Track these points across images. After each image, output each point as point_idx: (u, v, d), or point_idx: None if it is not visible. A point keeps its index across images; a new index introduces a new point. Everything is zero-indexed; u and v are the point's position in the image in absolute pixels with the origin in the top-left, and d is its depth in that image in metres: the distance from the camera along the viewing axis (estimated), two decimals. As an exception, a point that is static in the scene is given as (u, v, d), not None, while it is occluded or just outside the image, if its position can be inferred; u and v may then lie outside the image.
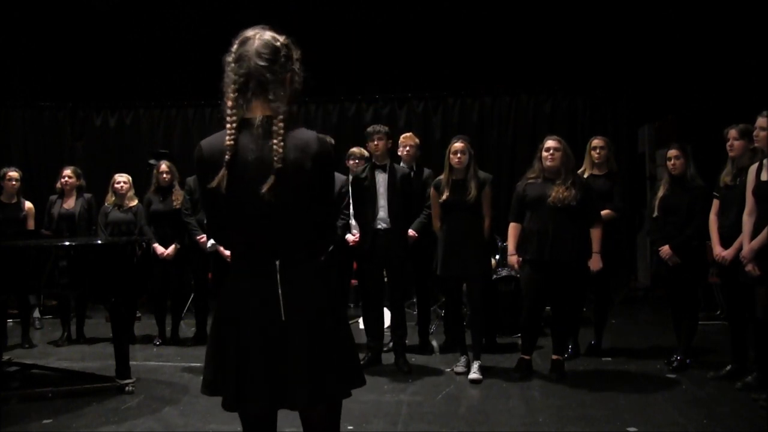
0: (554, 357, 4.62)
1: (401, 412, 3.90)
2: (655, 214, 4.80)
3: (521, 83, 8.04)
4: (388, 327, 5.23)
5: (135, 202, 6.02)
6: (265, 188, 1.82)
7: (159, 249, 5.78)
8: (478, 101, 8.14)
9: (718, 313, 6.39)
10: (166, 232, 5.85)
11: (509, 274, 5.77)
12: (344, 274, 5.53)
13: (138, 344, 5.89)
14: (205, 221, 5.52)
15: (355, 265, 5.58)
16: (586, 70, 7.86)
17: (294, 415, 1.99)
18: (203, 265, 5.85)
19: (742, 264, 3.97)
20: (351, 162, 5.52)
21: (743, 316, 4.34)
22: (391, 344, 5.09)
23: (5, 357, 5.01)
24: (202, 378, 2.00)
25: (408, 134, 5.56)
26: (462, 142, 4.63)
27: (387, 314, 5.18)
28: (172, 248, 5.81)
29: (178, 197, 5.83)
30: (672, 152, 4.73)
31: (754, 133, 4.09)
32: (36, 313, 6.85)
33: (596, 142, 5.16)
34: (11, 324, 6.30)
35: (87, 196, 6.14)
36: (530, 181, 4.59)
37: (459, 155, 4.59)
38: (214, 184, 1.86)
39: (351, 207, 5.11)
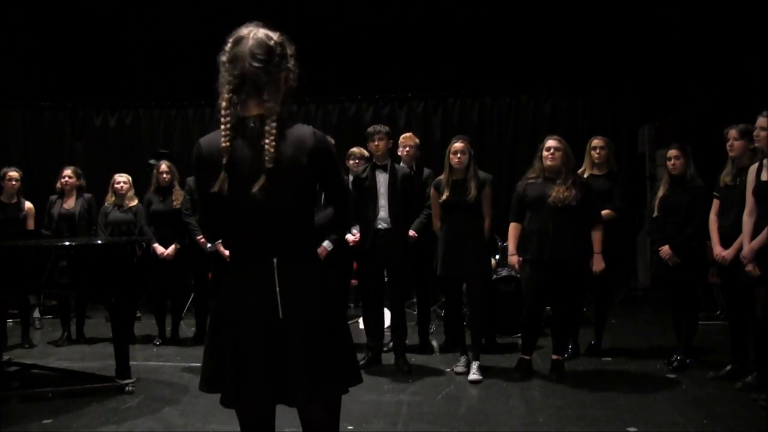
0: (554, 357, 4.62)
1: (401, 412, 3.90)
2: (655, 214, 4.79)
3: (521, 83, 8.04)
4: (388, 327, 5.23)
5: (135, 202, 6.02)
6: (255, 188, 1.83)
7: (159, 249, 5.78)
8: (478, 101, 8.14)
9: (718, 313, 6.39)
10: (166, 232, 5.85)
11: (509, 274, 5.76)
12: (344, 274, 5.53)
13: (138, 344, 5.89)
14: (197, 219, 5.53)
15: (355, 265, 5.58)
16: (586, 70, 7.86)
17: (294, 415, 1.99)
18: (203, 265, 5.85)
19: (742, 264, 3.97)
20: (351, 162, 5.52)
21: (743, 316, 4.34)
22: (391, 344, 5.09)
23: (5, 357, 5.01)
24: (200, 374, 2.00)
25: (408, 134, 5.56)
26: (462, 142, 4.63)
27: (387, 314, 5.18)
28: (172, 248, 5.81)
29: (178, 197, 5.83)
30: (672, 152, 4.73)
31: (754, 133, 4.09)
32: (36, 313, 6.85)
33: (596, 142, 5.16)
34: (11, 324, 6.30)
35: (87, 196, 6.14)
36: (530, 181, 4.59)
37: (459, 155, 4.59)
38: (216, 188, 1.87)
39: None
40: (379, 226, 4.87)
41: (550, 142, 4.53)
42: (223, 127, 1.89)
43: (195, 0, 7.98)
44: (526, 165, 4.97)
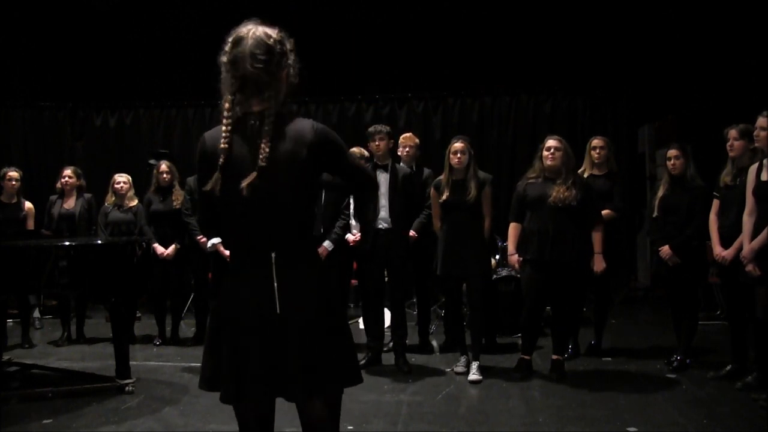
0: (554, 357, 4.62)
1: (401, 412, 3.90)
2: (655, 214, 4.79)
3: (521, 83, 8.04)
4: (388, 327, 5.23)
5: (135, 202, 6.02)
6: (244, 183, 1.85)
7: (159, 249, 5.78)
8: (478, 101, 8.14)
9: (718, 313, 6.39)
10: (166, 232, 5.85)
11: (509, 274, 5.77)
12: (344, 274, 5.53)
13: (138, 344, 5.89)
14: (198, 218, 5.54)
15: (355, 265, 5.58)
16: (586, 70, 7.86)
17: (294, 415, 1.99)
18: (203, 265, 5.85)
19: (742, 264, 3.97)
20: (351, 162, 5.51)
21: (743, 316, 4.34)
22: (391, 344, 5.09)
23: (5, 357, 5.01)
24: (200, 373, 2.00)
25: (408, 134, 5.56)
26: (462, 142, 4.63)
27: (387, 314, 5.18)
28: (172, 248, 5.81)
29: (178, 197, 5.84)
30: (672, 152, 4.73)
31: (754, 133, 4.09)
32: (36, 313, 6.85)
33: (596, 142, 5.16)
34: (11, 324, 6.30)
35: (87, 196, 6.14)
36: (531, 180, 4.59)
37: (459, 155, 4.59)
38: (208, 188, 1.90)
39: (351, 207, 5.11)
40: (380, 226, 4.87)
41: (550, 142, 4.53)
42: (224, 128, 1.90)
43: (195, 0, 7.98)
44: (526, 165, 4.97)
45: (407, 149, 5.37)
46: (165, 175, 5.89)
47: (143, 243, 4.91)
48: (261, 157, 1.85)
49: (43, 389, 4.33)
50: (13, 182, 5.88)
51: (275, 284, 1.89)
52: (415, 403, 4.08)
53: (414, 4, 7.94)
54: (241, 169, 1.87)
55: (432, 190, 4.81)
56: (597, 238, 4.62)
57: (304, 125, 1.93)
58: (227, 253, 5.11)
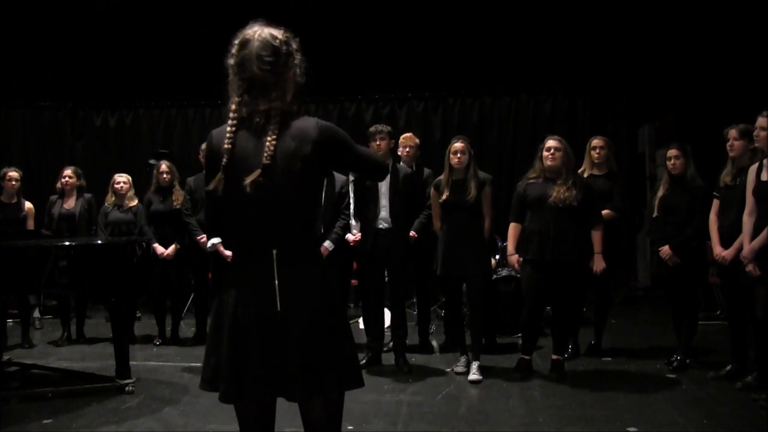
0: (554, 357, 4.62)
1: (401, 412, 3.90)
2: (655, 214, 4.79)
3: (521, 83, 8.04)
4: (388, 327, 5.23)
5: (135, 202, 6.02)
6: (247, 180, 1.85)
7: (159, 249, 5.78)
8: (478, 101, 8.14)
9: (718, 313, 6.39)
10: (166, 232, 5.85)
11: (509, 274, 5.77)
12: (344, 274, 5.53)
13: (138, 344, 5.89)
14: (203, 216, 5.54)
15: (355, 265, 5.58)
16: (586, 70, 7.86)
17: (294, 415, 1.99)
18: (203, 265, 5.85)
19: (742, 264, 3.97)
20: (351, 162, 5.51)
21: (743, 316, 4.34)
22: (391, 344, 5.09)
23: (5, 357, 5.01)
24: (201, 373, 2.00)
25: (408, 134, 5.55)
26: (462, 142, 4.63)
27: (387, 314, 5.18)
28: (172, 248, 5.81)
29: (178, 197, 5.83)
30: (672, 152, 4.73)
31: (754, 133, 4.09)
32: (36, 313, 6.85)
33: (596, 142, 5.16)
34: (11, 324, 6.30)
35: (87, 196, 6.14)
36: (531, 181, 4.59)
37: (459, 155, 4.59)
38: (210, 187, 1.92)
39: (351, 207, 5.11)
40: (380, 226, 4.87)
41: (550, 143, 4.53)
42: (228, 129, 1.91)
43: (195, 0, 7.98)
44: (526, 165, 4.97)
45: (407, 149, 5.36)
46: (165, 175, 5.89)
47: (143, 243, 4.91)
48: (265, 154, 1.86)
49: (43, 389, 4.33)
50: (13, 182, 5.88)
51: (276, 282, 1.89)
52: (415, 403, 4.08)
53: (414, 4, 7.94)
54: (245, 166, 1.88)
55: (432, 190, 4.81)
56: (597, 237, 4.61)
57: (308, 123, 1.94)
58: (227, 253, 5.17)
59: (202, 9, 7.89)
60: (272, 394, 1.92)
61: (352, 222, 5.15)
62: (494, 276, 5.69)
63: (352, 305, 7.15)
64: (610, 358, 5.09)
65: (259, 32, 1.93)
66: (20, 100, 8.53)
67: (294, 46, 1.97)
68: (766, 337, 3.96)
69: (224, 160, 1.90)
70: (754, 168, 4.01)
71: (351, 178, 5.11)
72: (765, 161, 3.95)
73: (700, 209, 4.53)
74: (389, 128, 5.06)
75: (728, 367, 4.44)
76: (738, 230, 4.09)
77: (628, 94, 7.89)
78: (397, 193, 4.85)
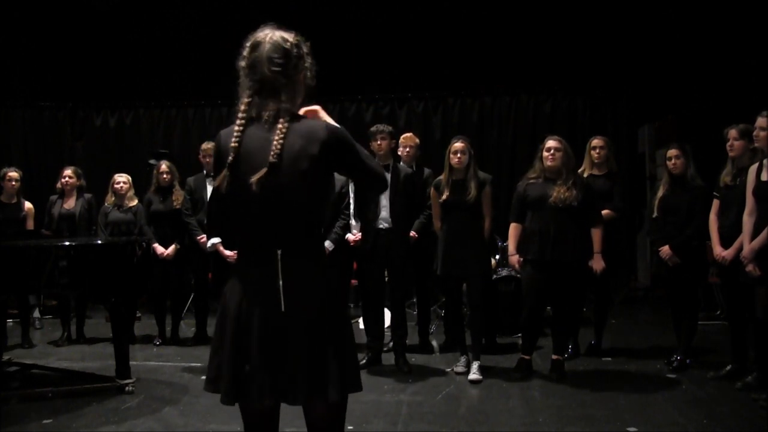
0: (554, 357, 4.62)
1: (401, 412, 3.90)
2: (655, 214, 4.79)
3: (521, 83, 8.04)
4: (388, 327, 5.23)
5: (135, 202, 6.02)
6: (253, 179, 1.85)
7: (159, 249, 5.78)
8: (478, 101, 8.14)
9: (718, 313, 6.39)
10: (166, 232, 5.84)
11: (509, 274, 5.77)
12: (344, 274, 5.52)
13: (138, 344, 5.89)
14: (206, 219, 5.54)
15: (355, 265, 5.58)
16: (586, 70, 7.86)
17: (294, 415, 1.99)
18: (203, 265, 5.85)
19: (742, 264, 3.97)
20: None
21: (743, 316, 4.34)
22: (391, 344, 5.09)
23: (5, 357, 5.01)
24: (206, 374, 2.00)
25: (408, 134, 5.55)
26: (462, 142, 4.63)
27: (387, 314, 5.18)
28: (172, 248, 5.80)
29: (178, 197, 5.83)
30: (672, 152, 4.73)
31: (754, 133, 4.09)
32: (36, 313, 6.85)
33: (596, 142, 5.16)
34: (11, 324, 6.29)
35: (87, 196, 6.14)
36: (531, 181, 4.59)
37: (459, 155, 4.59)
38: (216, 184, 1.93)
39: (351, 207, 5.11)
40: (381, 226, 4.87)
41: (550, 143, 4.53)
42: (236, 128, 1.92)
43: (195, 0, 7.98)
44: (526, 165, 4.97)
45: (407, 149, 5.36)
46: (165, 175, 5.89)
47: (143, 243, 4.91)
48: (272, 153, 1.86)
49: (43, 389, 4.33)
50: (13, 182, 5.87)
51: (280, 282, 1.89)
52: (415, 403, 4.08)
53: (414, 4, 7.94)
54: (251, 165, 1.88)
55: (432, 190, 4.81)
56: (596, 237, 4.61)
57: (317, 124, 1.95)
58: (227, 253, 5.18)
59: (202, 9, 7.89)
60: (271, 397, 1.90)
61: (352, 222, 5.15)
62: (494, 276, 5.69)
63: (352, 305, 7.15)
64: (610, 358, 5.09)
65: (270, 35, 1.95)
66: (20, 100, 8.53)
67: (305, 49, 1.99)
68: (766, 337, 3.96)
69: (230, 157, 1.90)
70: (754, 168, 4.01)
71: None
72: (765, 161, 3.95)
73: (700, 209, 4.53)
74: (390, 128, 5.06)
75: (728, 367, 4.44)
76: (738, 230, 4.09)
77: (628, 94, 7.89)
78: (398, 193, 4.85)
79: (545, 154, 4.52)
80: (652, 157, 8.17)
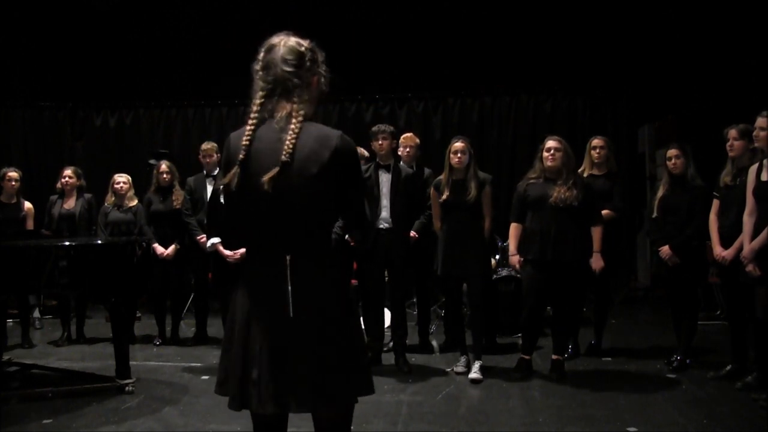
0: (554, 357, 4.62)
1: (401, 412, 3.90)
2: (655, 214, 4.79)
3: (521, 83, 8.04)
4: (388, 327, 5.23)
5: (135, 202, 6.02)
6: (265, 178, 1.84)
7: (159, 249, 5.78)
8: (478, 101, 8.14)
9: (718, 313, 6.39)
10: (166, 232, 5.85)
11: (509, 274, 5.77)
12: (344, 274, 5.52)
13: (138, 344, 5.89)
14: (206, 219, 5.53)
15: (355, 265, 5.58)
16: (586, 70, 7.86)
17: (295, 416, 1.99)
18: (203, 265, 5.85)
19: (742, 264, 3.97)
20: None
21: (743, 316, 4.34)
22: (391, 344, 5.09)
23: (5, 357, 5.01)
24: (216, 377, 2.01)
25: (408, 134, 5.54)
26: (462, 142, 4.63)
27: (387, 314, 5.18)
28: (172, 248, 5.81)
29: (178, 197, 5.83)
30: (672, 152, 4.73)
31: (754, 133, 4.09)
32: (36, 313, 6.85)
33: (596, 141, 5.16)
34: (11, 324, 6.29)
35: (87, 196, 6.14)
36: (531, 181, 4.59)
37: (459, 155, 4.59)
38: (226, 181, 1.91)
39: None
40: (381, 226, 4.87)
41: (550, 143, 4.53)
42: (248, 127, 1.93)
43: (195, 0, 7.98)
44: (526, 165, 4.97)
45: (408, 149, 5.36)
46: (165, 175, 5.89)
47: (143, 243, 4.91)
48: (284, 152, 1.86)
49: (43, 389, 4.33)
50: (13, 182, 5.87)
51: (289, 287, 1.88)
52: (415, 403, 4.08)
53: (414, 4, 7.94)
54: (262, 164, 1.88)
55: (432, 190, 4.81)
56: (596, 236, 4.61)
57: (330, 130, 1.95)
58: (227, 253, 5.18)
59: (202, 9, 7.88)
60: (276, 404, 1.86)
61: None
62: (494, 276, 5.70)
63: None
64: (610, 358, 5.09)
65: (285, 40, 1.98)
66: (20, 100, 8.52)
67: (319, 57, 2.02)
68: (766, 337, 3.96)
69: (241, 155, 1.89)
70: (754, 168, 4.01)
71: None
72: (765, 161, 3.95)
73: (700, 209, 4.53)
74: (392, 128, 5.06)
75: (728, 367, 4.44)
76: (738, 230, 4.09)
77: (628, 94, 7.89)
78: (398, 194, 4.85)
79: (545, 154, 4.52)
80: (652, 157, 8.17)
